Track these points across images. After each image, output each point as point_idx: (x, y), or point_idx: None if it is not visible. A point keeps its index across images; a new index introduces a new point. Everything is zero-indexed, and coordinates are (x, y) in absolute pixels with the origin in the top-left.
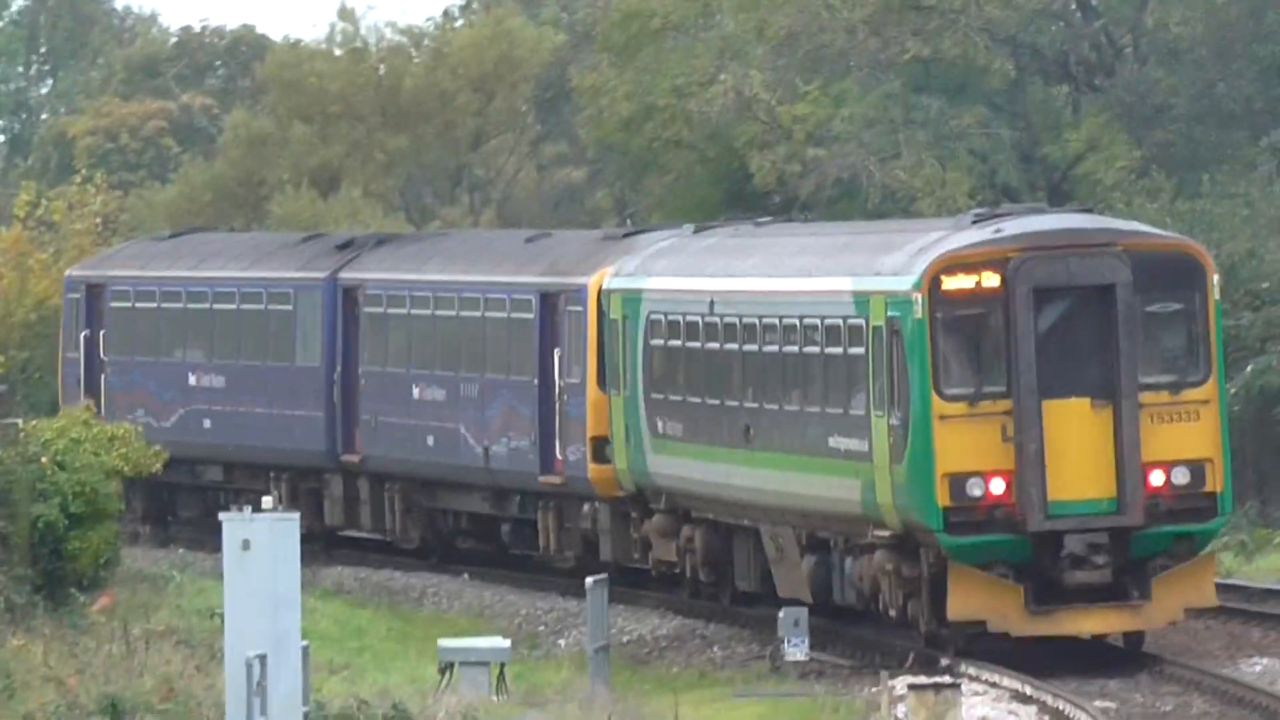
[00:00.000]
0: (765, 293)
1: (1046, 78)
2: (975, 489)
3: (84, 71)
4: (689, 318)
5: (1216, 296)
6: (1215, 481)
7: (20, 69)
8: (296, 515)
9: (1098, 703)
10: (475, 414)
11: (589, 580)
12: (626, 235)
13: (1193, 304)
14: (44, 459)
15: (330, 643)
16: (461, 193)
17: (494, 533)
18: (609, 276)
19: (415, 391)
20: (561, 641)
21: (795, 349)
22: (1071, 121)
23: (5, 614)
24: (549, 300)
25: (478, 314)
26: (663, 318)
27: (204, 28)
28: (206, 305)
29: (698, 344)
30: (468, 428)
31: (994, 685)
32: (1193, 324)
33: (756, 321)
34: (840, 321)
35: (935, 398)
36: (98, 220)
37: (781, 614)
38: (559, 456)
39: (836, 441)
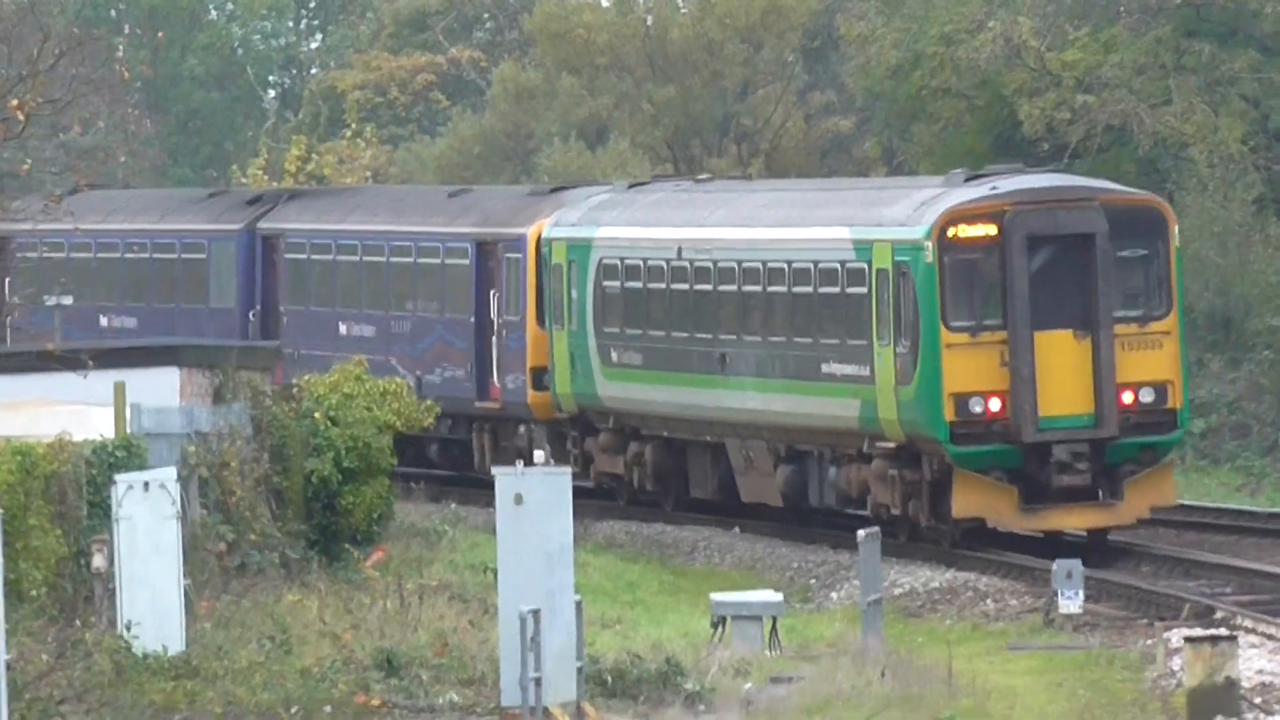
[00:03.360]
0: (745, 240)
1: None
2: (976, 406)
3: (353, 26)
4: (651, 262)
5: (1177, 244)
6: (1175, 399)
7: (290, 24)
8: (568, 469)
9: None
10: (407, 347)
11: (861, 533)
12: (555, 190)
13: (1158, 250)
14: (317, 414)
15: (603, 597)
16: (729, 143)
17: (421, 454)
18: (549, 227)
19: (342, 328)
20: (834, 595)
21: (783, 289)
22: None
23: (281, 569)
24: (485, 248)
25: (409, 260)
26: (618, 262)
27: None
28: (118, 255)
29: (661, 285)
30: (399, 360)
31: (1270, 638)
32: (1158, 267)
33: (735, 265)
34: (838, 265)
35: (943, 329)
36: (368, 175)
37: (1055, 565)
38: (496, 384)
39: (832, 368)
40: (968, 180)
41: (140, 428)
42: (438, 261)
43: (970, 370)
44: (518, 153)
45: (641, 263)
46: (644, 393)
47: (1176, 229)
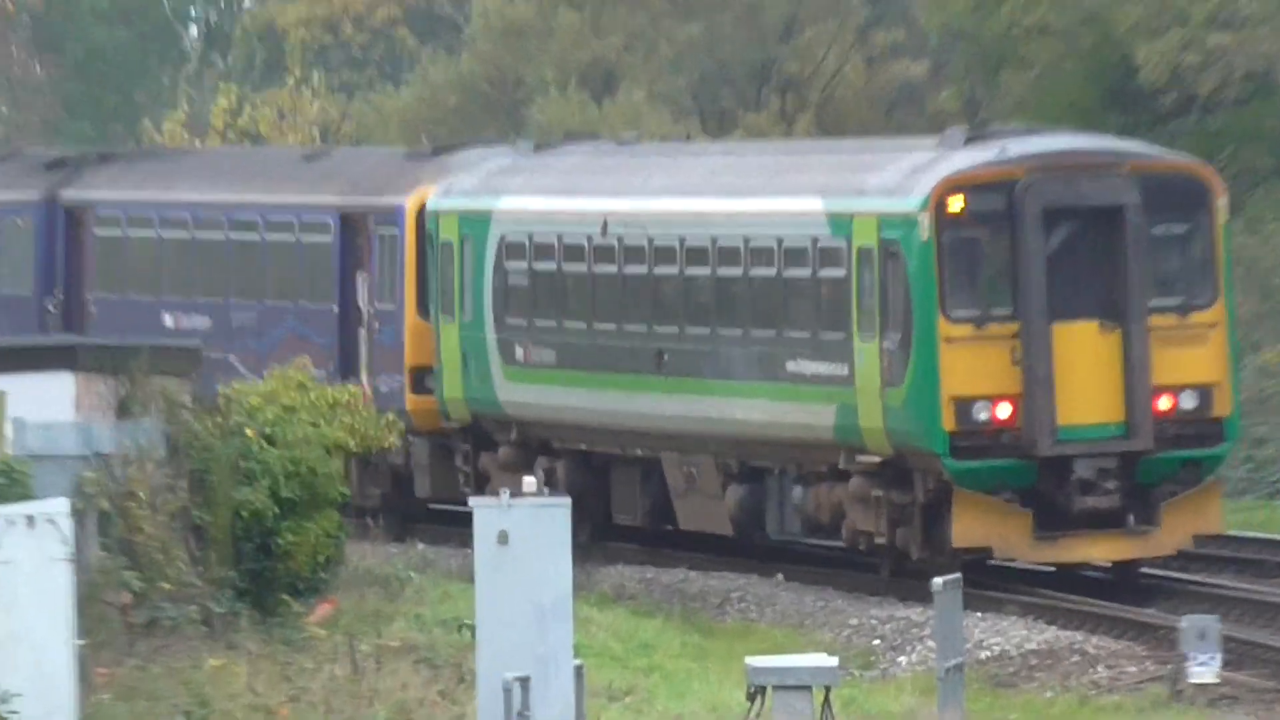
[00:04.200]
0: (690, 213)
1: None
2: (982, 413)
3: None
4: (568, 240)
5: (1224, 218)
6: (1223, 406)
7: None
8: (567, 500)
9: None
10: (251, 343)
11: (937, 582)
12: (439, 152)
13: (1200, 225)
14: (249, 431)
15: (610, 662)
16: (770, 94)
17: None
18: (435, 196)
19: (167, 320)
20: (902, 659)
21: (737, 271)
22: None
23: (202, 626)
24: (352, 222)
25: (255, 237)
26: (526, 240)
27: None
28: None
29: (581, 267)
30: (241, 358)
31: None
32: (1200, 246)
33: (677, 244)
34: (808, 243)
35: (942, 320)
36: (314, 130)
37: (1184, 624)
38: (365, 388)
39: (801, 366)
40: (969, 141)
41: (24, 448)
42: (292, 238)
43: (974, 369)
44: (504, 105)
45: (556, 240)
46: (557, 397)
47: (1224, 201)
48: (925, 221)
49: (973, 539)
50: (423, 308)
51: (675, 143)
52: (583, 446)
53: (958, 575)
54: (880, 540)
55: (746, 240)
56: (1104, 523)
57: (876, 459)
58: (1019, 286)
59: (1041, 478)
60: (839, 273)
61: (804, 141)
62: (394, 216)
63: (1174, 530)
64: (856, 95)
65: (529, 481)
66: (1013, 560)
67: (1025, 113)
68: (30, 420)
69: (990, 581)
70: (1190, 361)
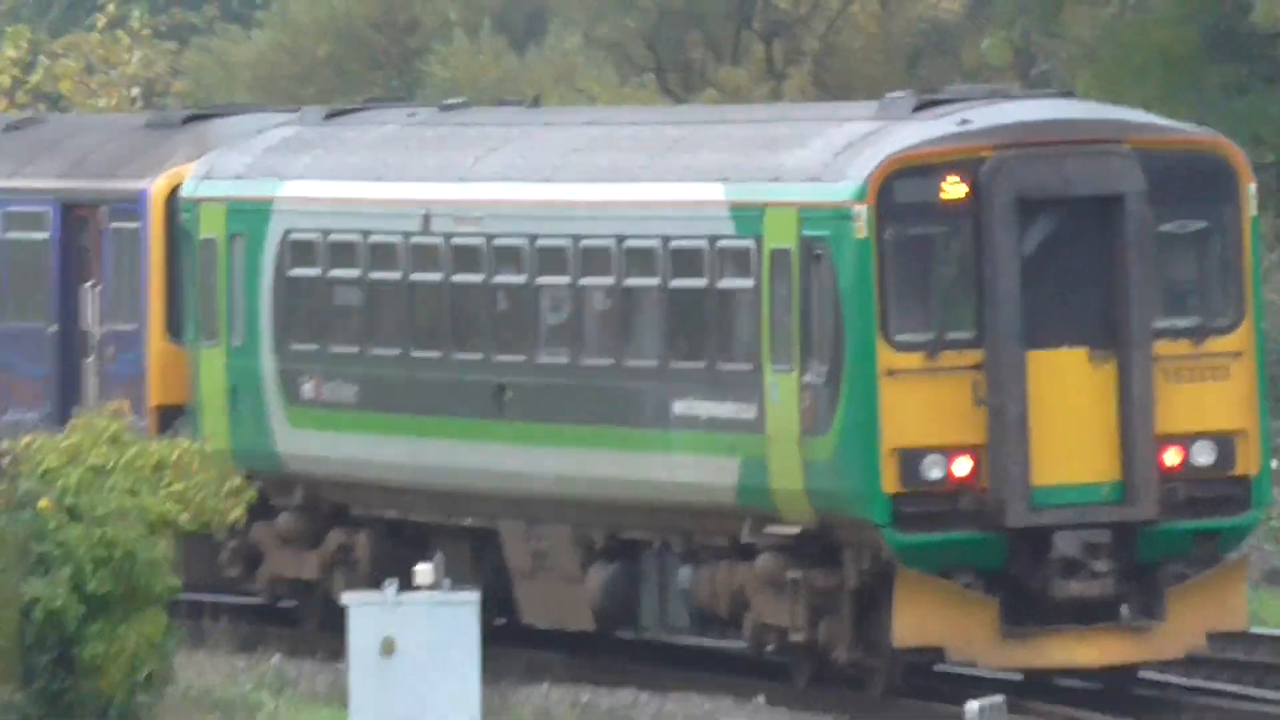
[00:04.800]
0: (542, 203)
1: None
2: (934, 469)
3: None
4: (377, 238)
5: (1254, 212)
6: (1249, 461)
7: None
8: (474, 595)
9: None
10: None
11: (973, 706)
12: (192, 120)
13: (1222, 221)
14: (44, 502)
15: None
16: (752, 40)
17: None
18: (193, 179)
19: None
20: None
21: (608, 281)
22: None
23: None
24: (76, 214)
25: None
26: (318, 238)
27: None
28: None
29: (394, 275)
30: None
31: None
32: (1222, 249)
33: (524, 244)
34: (705, 244)
35: (882, 346)
36: (134, 92)
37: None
38: None
39: (692, 408)
40: (919, 108)
41: None
42: None
43: (925, 411)
44: (392, 55)
45: (360, 238)
46: (358, 448)
47: (1253, 188)
48: (862, 214)
49: (920, 636)
50: (173, 327)
51: (517, 108)
52: (392, 514)
53: (999, 700)
54: (796, 637)
55: (620, 240)
56: (1092, 615)
57: (793, 530)
58: (984, 301)
59: (1012, 555)
60: (745, 282)
61: (697, 108)
62: (135, 205)
63: (1183, 625)
64: (868, 43)
65: (423, 570)
66: (972, 665)
67: (1096, 67)
68: None
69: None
70: (1207, 402)
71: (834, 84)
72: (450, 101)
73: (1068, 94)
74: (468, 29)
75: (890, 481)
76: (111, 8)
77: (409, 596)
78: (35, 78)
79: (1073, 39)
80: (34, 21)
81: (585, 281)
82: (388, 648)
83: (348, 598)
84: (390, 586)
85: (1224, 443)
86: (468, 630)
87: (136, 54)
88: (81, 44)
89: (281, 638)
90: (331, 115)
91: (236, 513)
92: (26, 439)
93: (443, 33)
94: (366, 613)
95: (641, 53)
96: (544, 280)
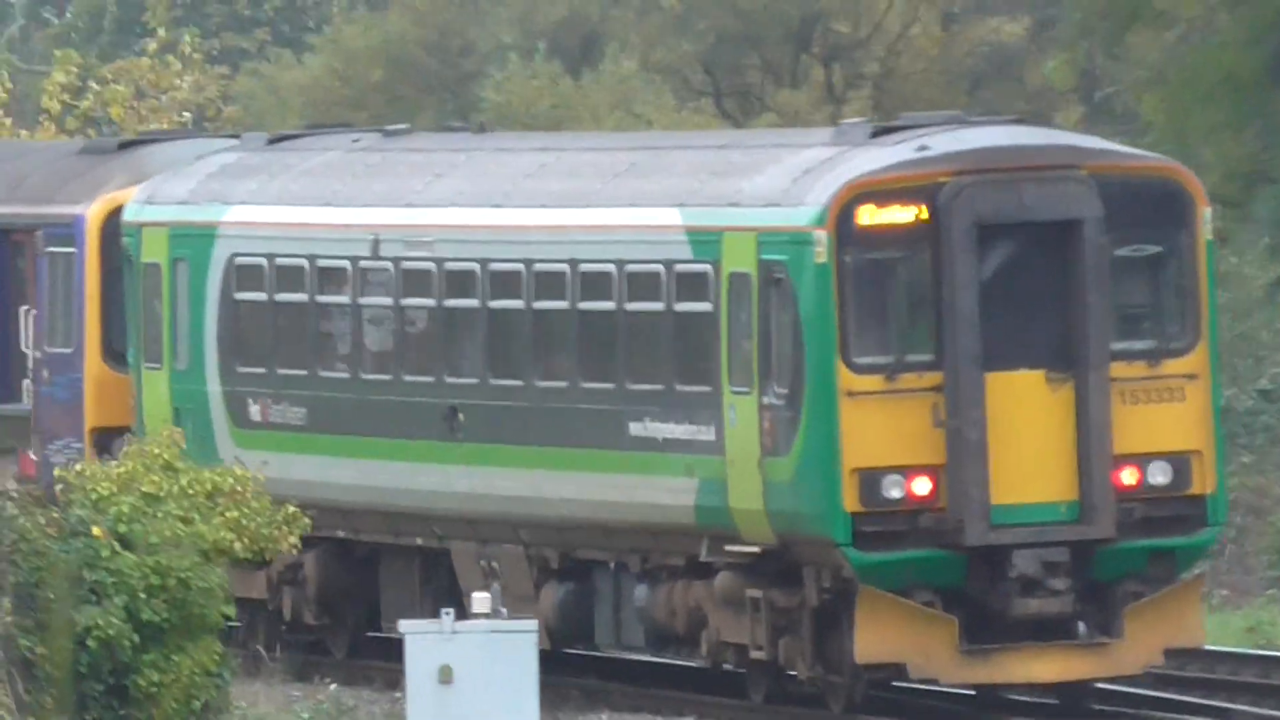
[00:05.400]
0: (496, 227)
1: None
2: (894, 489)
3: None
4: (325, 263)
5: (1209, 236)
6: (1204, 481)
7: None
8: (533, 624)
9: None
10: None
11: None
12: (128, 146)
13: (1178, 246)
14: (97, 531)
15: None
16: (811, 63)
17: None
18: (135, 204)
19: None
20: None
21: (562, 305)
22: None
23: None
24: (11, 240)
25: None
26: (264, 262)
27: None
28: None
29: (343, 298)
30: None
31: None
32: (1177, 272)
33: (476, 268)
34: (660, 268)
35: (842, 369)
36: (184, 116)
37: None
38: (30, 457)
39: (649, 429)
40: (876, 134)
41: None
42: None
43: (884, 433)
44: (446, 80)
45: (307, 263)
46: (306, 469)
47: (1208, 213)
48: (822, 240)
49: (881, 653)
50: (109, 351)
51: (463, 134)
52: (340, 534)
53: None
54: (758, 654)
55: (573, 264)
56: (1050, 632)
57: (753, 549)
58: (944, 325)
59: (971, 574)
60: (703, 306)
61: (650, 134)
62: (70, 230)
63: (1140, 642)
64: (929, 66)
65: (480, 598)
66: (933, 681)
67: (1164, 89)
68: None
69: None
70: (1163, 423)
71: (894, 107)
72: (394, 127)
73: (1021, 120)
74: (522, 53)
75: (851, 501)
76: (162, 32)
77: (466, 625)
78: (85, 103)
79: (1138, 62)
80: (84, 46)
81: (539, 305)
82: (445, 676)
83: (405, 625)
84: (447, 615)
85: (1180, 463)
86: (525, 658)
87: (187, 79)
88: (132, 69)
89: (338, 666)
90: (274, 140)
91: (291, 540)
92: (79, 466)
93: (497, 57)
94: (423, 642)
95: (699, 77)
96: (497, 304)
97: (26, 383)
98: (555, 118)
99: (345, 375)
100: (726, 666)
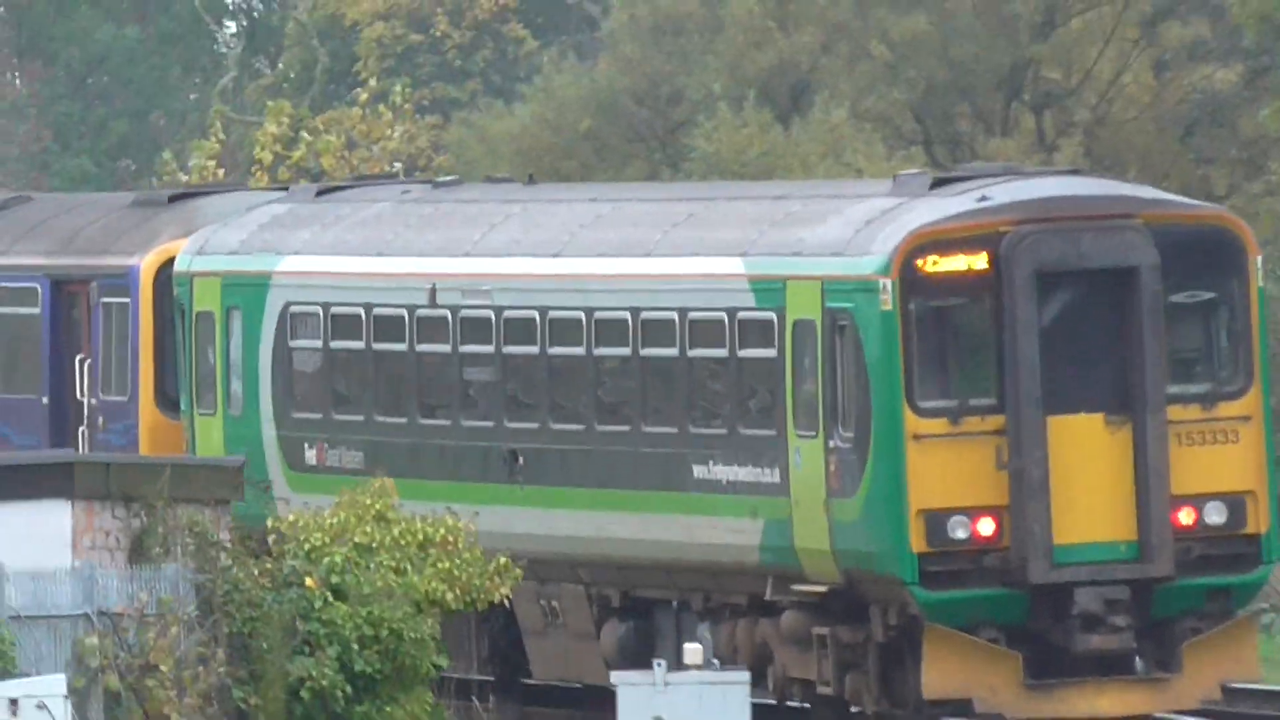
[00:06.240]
0: (557, 276)
1: None
2: (959, 530)
3: None
4: (381, 311)
5: (1260, 283)
6: (1259, 520)
7: None
8: (745, 675)
9: None
10: None
11: None
12: (177, 198)
13: (1230, 292)
14: (310, 581)
15: None
16: (1021, 111)
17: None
18: (186, 254)
19: None
20: None
21: (624, 352)
22: None
23: None
24: (66, 291)
25: None
26: (319, 311)
27: None
28: None
29: (399, 346)
30: None
31: None
32: (1230, 318)
33: (536, 316)
34: (723, 315)
35: (908, 412)
36: (396, 167)
37: None
38: None
39: (714, 472)
40: (936, 186)
41: (3, 605)
42: None
43: (950, 475)
44: (655, 128)
45: (363, 312)
46: None
47: (1260, 260)
48: (888, 287)
49: (949, 688)
50: (163, 398)
51: (514, 185)
52: None
53: None
54: (825, 689)
55: (635, 312)
56: (1110, 668)
57: (820, 588)
58: (1006, 370)
59: (1034, 611)
60: (767, 353)
61: (703, 185)
62: (125, 281)
63: (1198, 677)
64: (1141, 114)
65: (691, 649)
66: (999, 716)
67: None
68: (11, 567)
69: None
70: (1218, 465)
71: (1105, 155)
72: (443, 179)
73: (1076, 171)
74: (731, 101)
75: (918, 541)
76: (374, 82)
77: (678, 676)
78: (298, 153)
79: None
80: (296, 97)
81: (600, 351)
82: None
83: (617, 677)
84: (659, 666)
85: (1235, 503)
86: (738, 709)
87: (398, 129)
88: (343, 119)
89: (551, 717)
90: (322, 192)
91: (503, 590)
92: (292, 517)
93: (706, 105)
94: (635, 694)
95: (910, 125)
96: (556, 351)
97: (82, 429)
98: (765, 166)
99: (403, 420)
100: (792, 703)
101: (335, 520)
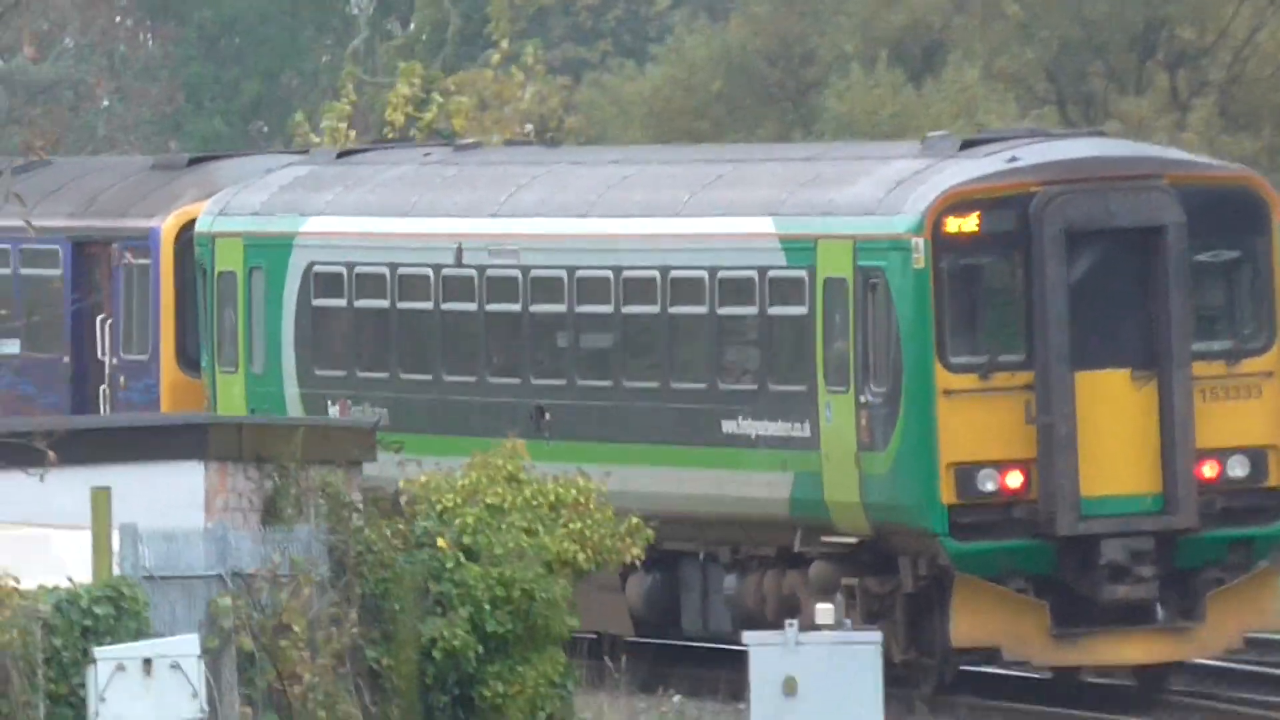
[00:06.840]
0: (585, 236)
1: None
2: (988, 482)
3: None
4: (406, 270)
5: None
6: (1279, 474)
7: None
8: (877, 635)
9: None
10: None
11: None
12: (196, 161)
13: (1254, 252)
14: (442, 542)
15: None
16: (1155, 69)
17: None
18: (208, 215)
19: None
20: None
21: (653, 309)
22: None
23: None
24: (88, 251)
25: None
26: (343, 270)
27: None
28: None
29: (425, 304)
30: None
31: None
32: (1254, 276)
33: (564, 275)
34: (753, 273)
35: (939, 368)
36: (527, 128)
37: None
38: None
39: (743, 426)
40: (965, 146)
41: (137, 567)
42: (8, 271)
43: (979, 429)
44: (787, 89)
45: (388, 271)
46: (388, 469)
47: None
48: (920, 246)
49: (977, 636)
50: (184, 357)
51: (536, 148)
52: None
53: None
54: None
55: (664, 271)
56: (1134, 617)
57: (851, 540)
58: (1034, 327)
59: (1061, 562)
60: (798, 310)
61: (729, 147)
62: (146, 242)
63: (1221, 626)
64: (1275, 72)
65: (824, 609)
66: (1023, 662)
67: None
68: (145, 528)
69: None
70: (1241, 419)
71: (1239, 113)
72: (463, 142)
73: (1100, 133)
74: (864, 62)
75: (948, 493)
76: (505, 44)
77: (810, 636)
78: (429, 115)
79: None
80: (428, 58)
81: (629, 309)
82: (790, 688)
83: (749, 638)
84: (791, 626)
85: (1257, 456)
86: (870, 670)
87: (530, 90)
88: (475, 80)
89: (684, 677)
90: (342, 155)
91: (635, 551)
92: (424, 478)
93: (838, 66)
94: (767, 654)
95: (1042, 85)
96: (584, 309)
97: (103, 388)
98: (897, 126)
99: (428, 377)
100: None
101: (467, 481)
